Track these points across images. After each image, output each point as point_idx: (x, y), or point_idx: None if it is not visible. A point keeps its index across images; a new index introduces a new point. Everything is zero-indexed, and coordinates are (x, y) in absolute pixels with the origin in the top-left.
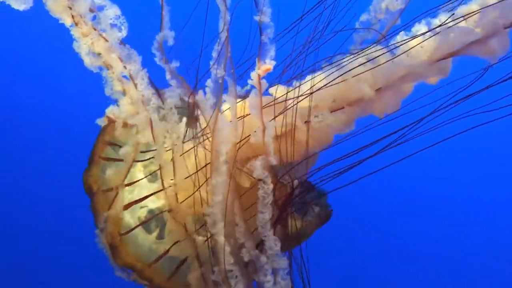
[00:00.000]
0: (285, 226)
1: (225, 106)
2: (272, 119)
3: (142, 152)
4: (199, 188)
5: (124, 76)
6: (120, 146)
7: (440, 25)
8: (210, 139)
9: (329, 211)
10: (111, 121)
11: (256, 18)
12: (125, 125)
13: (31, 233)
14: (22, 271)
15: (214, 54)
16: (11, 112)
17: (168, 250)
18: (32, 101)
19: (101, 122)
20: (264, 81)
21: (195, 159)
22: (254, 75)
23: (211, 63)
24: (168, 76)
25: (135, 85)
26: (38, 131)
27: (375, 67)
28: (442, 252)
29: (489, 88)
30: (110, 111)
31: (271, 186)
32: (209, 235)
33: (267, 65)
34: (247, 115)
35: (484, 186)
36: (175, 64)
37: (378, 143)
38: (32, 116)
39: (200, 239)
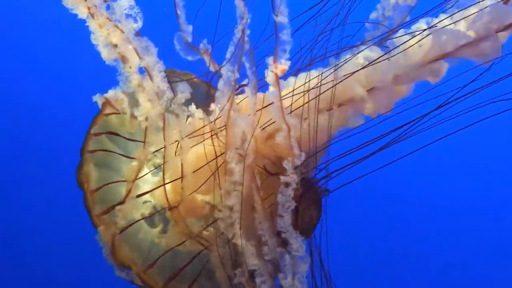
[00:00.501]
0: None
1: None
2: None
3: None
4: (200, 187)
5: (140, 69)
6: (117, 134)
7: (431, 27)
8: (224, 135)
9: (323, 191)
10: (108, 104)
11: (275, 18)
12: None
13: (33, 232)
14: (22, 270)
15: (230, 52)
16: (16, 106)
17: (172, 247)
18: (39, 93)
19: (98, 99)
20: (282, 81)
21: (205, 154)
22: (271, 75)
23: (224, 62)
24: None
25: (151, 77)
26: (42, 125)
27: (369, 66)
28: (448, 250)
29: (499, 81)
30: (112, 95)
31: (292, 192)
32: (224, 236)
33: (283, 65)
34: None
35: (492, 183)
36: (204, 46)
37: (382, 139)
38: (39, 110)
39: (206, 237)
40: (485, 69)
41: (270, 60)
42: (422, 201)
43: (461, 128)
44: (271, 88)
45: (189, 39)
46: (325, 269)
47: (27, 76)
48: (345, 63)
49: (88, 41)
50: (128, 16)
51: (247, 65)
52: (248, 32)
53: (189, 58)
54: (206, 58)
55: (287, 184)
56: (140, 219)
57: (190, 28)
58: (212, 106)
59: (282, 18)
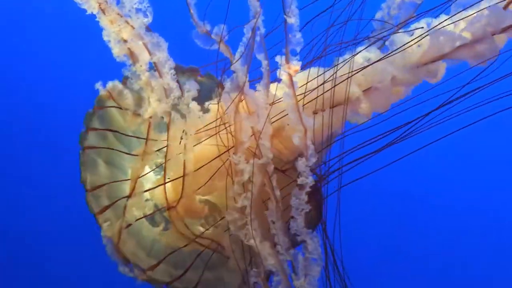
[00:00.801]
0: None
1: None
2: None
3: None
4: (202, 187)
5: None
6: (117, 132)
7: (431, 28)
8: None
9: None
10: (109, 98)
11: (287, 19)
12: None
13: (33, 232)
14: (22, 270)
15: (239, 52)
16: (16, 105)
17: (173, 245)
18: (39, 91)
19: (99, 87)
20: (296, 81)
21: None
22: (285, 76)
23: (234, 61)
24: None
25: (161, 74)
26: (42, 124)
27: (367, 66)
28: (448, 249)
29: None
30: (112, 87)
31: (306, 197)
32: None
33: (295, 65)
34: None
35: (497, 181)
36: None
37: (385, 137)
38: (39, 109)
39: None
40: (498, 65)
41: (282, 60)
42: (423, 201)
43: (464, 126)
44: (282, 87)
45: (207, 28)
46: (338, 269)
47: (27, 75)
48: (345, 63)
49: (89, 38)
50: (138, 10)
51: (264, 62)
52: (262, 31)
53: (206, 47)
54: (222, 47)
55: (302, 186)
56: (143, 216)
57: (206, 25)
58: (221, 104)
59: (293, 19)
